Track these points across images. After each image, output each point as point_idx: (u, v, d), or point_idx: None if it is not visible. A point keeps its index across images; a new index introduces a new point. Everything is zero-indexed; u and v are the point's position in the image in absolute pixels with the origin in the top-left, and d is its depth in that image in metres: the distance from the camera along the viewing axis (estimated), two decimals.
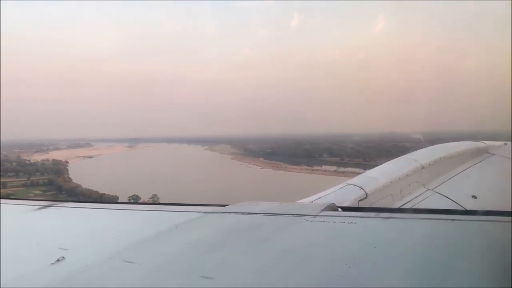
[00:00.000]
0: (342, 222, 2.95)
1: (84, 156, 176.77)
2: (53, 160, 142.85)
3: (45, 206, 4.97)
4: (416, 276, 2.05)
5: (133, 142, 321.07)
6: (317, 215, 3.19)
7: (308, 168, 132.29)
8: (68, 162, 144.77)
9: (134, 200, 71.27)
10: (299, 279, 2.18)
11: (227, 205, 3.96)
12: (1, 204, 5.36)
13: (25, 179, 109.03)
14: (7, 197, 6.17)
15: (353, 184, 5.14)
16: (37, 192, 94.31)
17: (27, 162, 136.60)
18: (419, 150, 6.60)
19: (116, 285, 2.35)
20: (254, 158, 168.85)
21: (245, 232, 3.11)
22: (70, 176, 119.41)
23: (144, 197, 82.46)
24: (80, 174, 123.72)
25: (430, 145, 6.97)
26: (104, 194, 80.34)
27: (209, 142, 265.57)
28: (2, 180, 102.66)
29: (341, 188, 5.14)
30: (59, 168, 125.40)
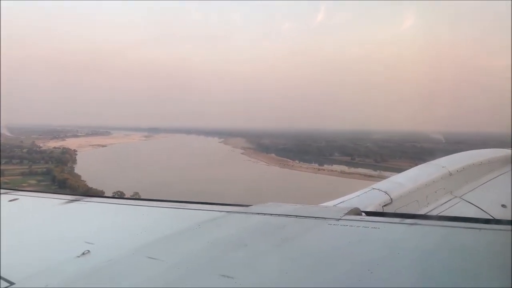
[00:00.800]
0: (366, 227, 2.93)
1: (98, 145, 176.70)
2: (63, 148, 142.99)
3: (72, 200, 5.13)
4: (440, 284, 2.01)
5: (152, 131, 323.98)
6: (340, 219, 3.17)
7: (316, 167, 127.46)
8: (77, 151, 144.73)
9: (119, 195, 69.20)
10: (320, 282, 2.17)
11: (249, 205, 3.95)
12: (31, 197, 5.78)
13: (27, 167, 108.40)
14: (36, 190, 6.62)
15: (378, 189, 5.07)
16: (32, 181, 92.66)
17: (37, 149, 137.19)
18: (447, 156, 6.66)
19: (138, 281, 2.41)
20: (265, 154, 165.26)
21: (267, 233, 3.11)
22: (74, 165, 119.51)
23: (140, 190, 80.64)
24: (87, 164, 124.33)
25: (452, 147, 6.88)
26: (92, 188, 78.38)
27: (227, 135, 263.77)
28: (3, 167, 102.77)
29: (365, 192, 5.07)
30: (65, 157, 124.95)
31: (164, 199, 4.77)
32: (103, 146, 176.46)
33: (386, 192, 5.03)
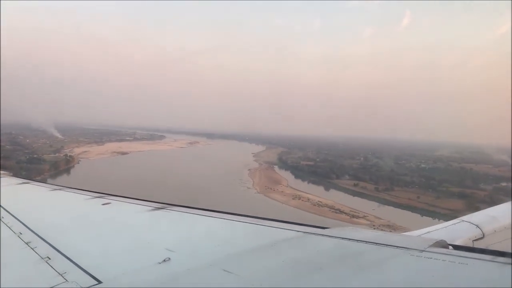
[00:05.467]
0: (452, 262, 2.69)
1: (119, 152, 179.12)
2: (66, 155, 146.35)
3: (158, 208, 5.30)
4: None
5: (209, 136, 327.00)
6: (424, 251, 2.94)
7: (304, 194, 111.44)
8: (80, 160, 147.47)
9: None
10: None
11: (327, 227, 3.87)
12: (122, 203, 6.04)
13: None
14: (128, 196, 6.33)
15: (469, 222, 4.78)
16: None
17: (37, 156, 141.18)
18: None
19: None
20: (282, 171, 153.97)
21: (345, 259, 2.99)
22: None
23: None
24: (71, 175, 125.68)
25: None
26: None
27: (274, 145, 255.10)
28: None
29: (454, 224, 4.82)
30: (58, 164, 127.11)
31: (243, 213, 4.68)
32: (124, 153, 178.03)
33: (477, 226, 4.58)
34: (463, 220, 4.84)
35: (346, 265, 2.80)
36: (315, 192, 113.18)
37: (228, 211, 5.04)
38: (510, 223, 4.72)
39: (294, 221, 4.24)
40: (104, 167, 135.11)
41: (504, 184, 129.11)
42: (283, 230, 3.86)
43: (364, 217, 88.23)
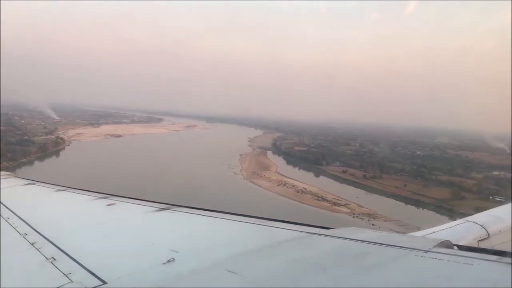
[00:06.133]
0: (457, 262, 2.69)
1: (113, 135, 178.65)
2: (59, 137, 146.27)
3: (163, 209, 5.31)
4: None
5: (209, 120, 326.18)
6: (428, 251, 2.94)
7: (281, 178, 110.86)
8: (69, 143, 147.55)
9: None
10: None
11: (330, 227, 3.90)
12: (126, 204, 6.03)
13: None
14: (130, 197, 6.40)
15: (474, 222, 4.78)
16: None
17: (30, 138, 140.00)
18: None
19: None
20: (275, 157, 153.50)
21: (349, 259, 3.01)
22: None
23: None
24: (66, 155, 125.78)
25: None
26: None
27: (272, 129, 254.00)
28: None
29: (459, 224, 4.81)
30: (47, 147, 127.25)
31: (246, 214, 4.71)
32: (117, 136, 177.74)
33: (482, 226, 4.58)
34: (468, 221, 4.79)
35: (350, 265, 2.83)
36: (304, 178, 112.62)
37: (228, 211, 5.04)
38: None
39: (298, 222, 4.22)
40: (93, 150, 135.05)
41: (496, 173, 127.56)
42: (286, 230, 3.87)
43: (345, 205, 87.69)
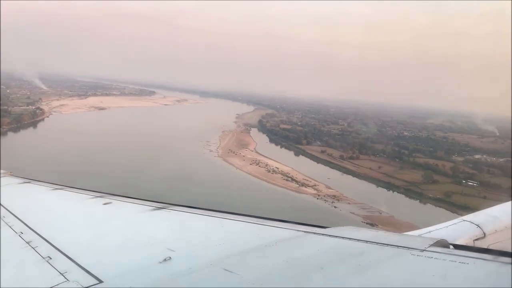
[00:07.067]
0: (453, 261, 2.70)
1: (97, 108, 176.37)
2: (39, 108, 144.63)
3: (159, 208, 5.30)
4: None
5: (203, 95, 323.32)
6: (425, 250, 2.95)
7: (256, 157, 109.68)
8: (49, 114, 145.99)
9: None
10: None
11: (327, 227, 3.92)
12: (123, 202, 6.04)
13: None
14: (126, 196, 6.40)
15: (469, 221, 4.76)
16: None
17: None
18: None
19: None
20: (260, 134, 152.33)
21: (345, 258, 3.03)
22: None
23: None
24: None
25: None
26: None
27: (265, 106, 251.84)
28: None
29: (454, 223, 4.79)
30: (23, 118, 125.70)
31: (244, 213, 4.73)
32: (101, 109, 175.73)
33: (478, 225, 4.59)
34: (464, 220, 4.77)
35: (347, 264, 2.83)
36: (281, 157, 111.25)
37: (227, 211, 4.95)
38: (511, 223, 4.70)
39: (295, 221, 4.20)
40: (70, 123, 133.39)
41: (478, 156, 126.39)
42: (283, 229, 3.87)
43: (314, 186, 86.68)
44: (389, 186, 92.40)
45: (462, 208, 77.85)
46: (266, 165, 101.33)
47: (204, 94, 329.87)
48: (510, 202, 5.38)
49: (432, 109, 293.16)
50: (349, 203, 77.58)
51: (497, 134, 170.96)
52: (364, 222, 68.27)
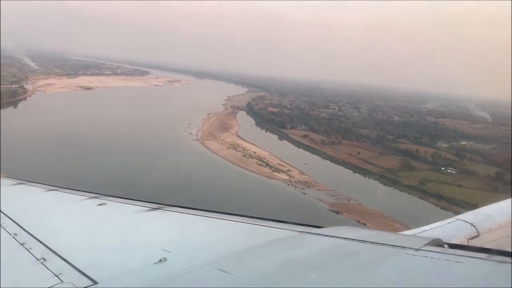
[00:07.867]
0: (448, 260, 2.71)
1: (84, 87, 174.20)
2: (21, 87, 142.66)
3: (154, 209, 5.29)
4: None
5: (198, 76, 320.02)
6: (419, 249, 2.95)
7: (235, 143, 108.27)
8: (32, 93, 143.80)
9: None
10: None
11: (322, 227, 3.92)
12: (118, 203, 6.01)
13: None
14: (121, 197, 6.48)
15: (464, 220, 4.81)
16: None
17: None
18: None
19: None
20: (248, 117, 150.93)
21: (340, 258, 3.07)
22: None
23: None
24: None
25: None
26: None
27: (258, 88, 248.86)
28: None
29: (449, 223, 4.84)
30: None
31: (238, 213, 4.70)
32: (88, 88, 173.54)
33: (472, 224, 4.63)
34: (458, 219, 4.80)
35: (342, 264, 2.85)
36: (262, 142, 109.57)
37: (224, 211, 4.91)
38: (505, 222, 4.73)
39: (290, 221, 4.18)
40: (51, 103, 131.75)
41: (464, 142, 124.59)
42: (279, 229, 3.87)
43: (287, 171, 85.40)
44: (365, 173, 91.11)
45: (433, 197, 77.06)
46: (244, 149, 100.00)
47: (199, 75, 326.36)
48: (504, 201, 5.37)
49: (434, 93, 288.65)
50: (319, 190, 76.38)
51: (489, 120, 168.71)
52: (330, 210, 67.41)
